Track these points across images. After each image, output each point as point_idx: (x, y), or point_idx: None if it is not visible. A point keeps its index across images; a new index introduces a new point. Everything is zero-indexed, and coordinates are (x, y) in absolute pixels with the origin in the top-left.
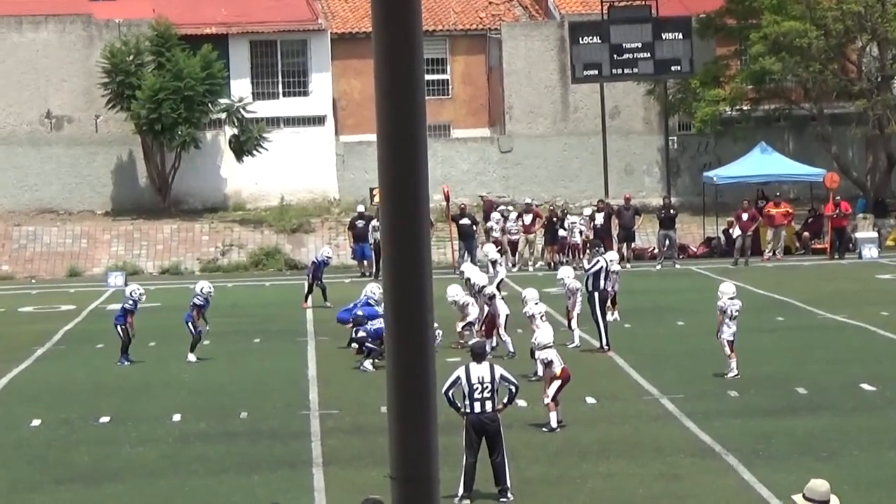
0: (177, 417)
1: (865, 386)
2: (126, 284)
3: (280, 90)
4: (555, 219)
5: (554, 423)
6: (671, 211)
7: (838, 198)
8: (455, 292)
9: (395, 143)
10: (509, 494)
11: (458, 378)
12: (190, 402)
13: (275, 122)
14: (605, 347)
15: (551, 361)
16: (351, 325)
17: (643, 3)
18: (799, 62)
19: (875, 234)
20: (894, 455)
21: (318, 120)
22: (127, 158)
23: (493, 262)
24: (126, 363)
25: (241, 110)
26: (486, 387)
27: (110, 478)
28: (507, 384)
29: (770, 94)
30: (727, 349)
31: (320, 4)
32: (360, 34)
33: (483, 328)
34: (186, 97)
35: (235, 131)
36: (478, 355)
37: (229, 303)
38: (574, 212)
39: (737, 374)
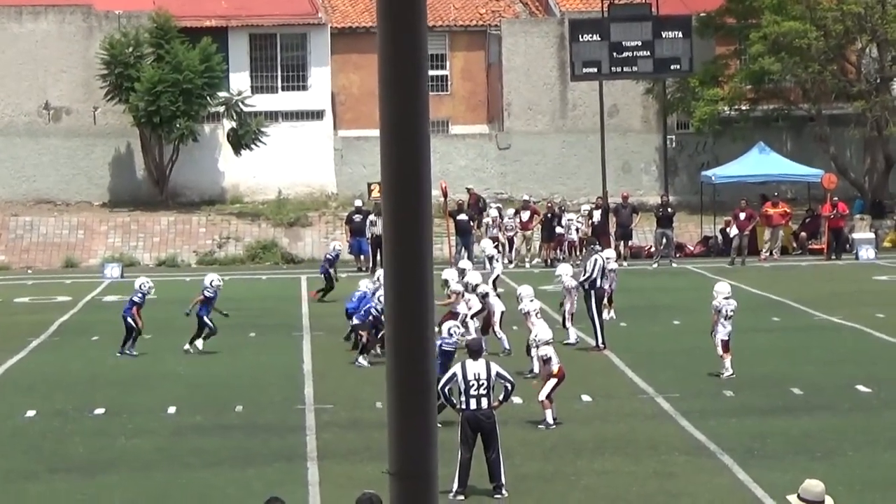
0: (172, 410)
1: (861, 387)
2: (122, 276)
3: (279, 84)
4: (552, 216)
5: (550, 420)
6: (669, 209)
7: (836, 198)
8: (451, 276)
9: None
10: (504, 491)
11: (455, 374)
12: (185, 394)
13: (273, 115)
14: (601, 346)
15: (550, 358)
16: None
17: (643, 1)
18: (798, 62)
19: (872, 236)
20: (889, 456)
21: (317, 114)
22: (125, 150)
23: (490, 259)
24: (123, 355)
25: (240, 104)
26: (483, 384)
27: (105, 469)
28: (502, 381)
29: (769, 95)
30: (720, 349)
31: None
32: (360, 29)
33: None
34: (185, 90)
35: (234, 125)
36: (474, 352)
37: (225, 296)
38: (572, 209)
39: (732, 374)
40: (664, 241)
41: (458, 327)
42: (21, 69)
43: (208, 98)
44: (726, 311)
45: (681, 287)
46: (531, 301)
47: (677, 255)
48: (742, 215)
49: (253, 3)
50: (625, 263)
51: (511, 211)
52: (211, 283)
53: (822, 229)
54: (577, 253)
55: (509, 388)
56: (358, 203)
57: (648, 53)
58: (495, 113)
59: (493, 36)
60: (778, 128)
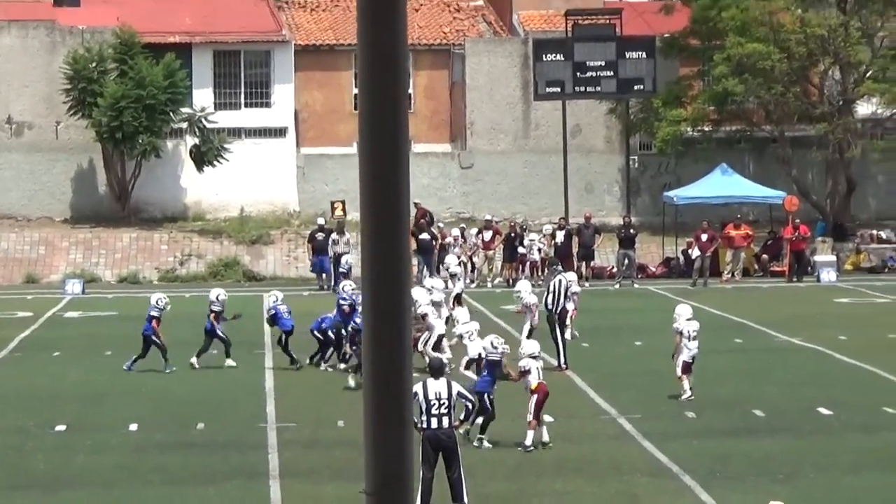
0: (134, 427)
1: (822, 409)
2: (84, 292)
3: (242, 101)
4: (514, 235)
5: (529, 442)
6: (631, 230)
7: (797, 221)
8: (418, 296)
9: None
10: None
11: (416, 393)
12: (147, 411)
13: (236, 132)
14: (564, 366)
15: (529, 371)
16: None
17: (607, 21)
18: (761, 84)
19: (834, 258)
20: (850, 479)
21: (280, 132)
22: (87, 166)
23: (453, 276)
24: (171, 370)
25: (203, 120)
26: (444, 403)
27: (66, 486)
28: (464, 401)
29: (732, 116)
30: (679, 370)
31: (285, 16)
32: (324, 46)
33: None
34: (148, 105)
35: (196, 141)
36: (435, 371)
37: (186, 313)
38: (534, 229)
39: (691, 397)
40: (626, 261)
41: (499, 338)
42: None
43: (171, 114)
44: (689, 331)
45: (643, 308)
46: (465, 324)
47: (639, 276)
48: (704, 236)
49: (217, 20)
50: (587, 284)
51: (474, 230)
52: (217, 298)
53: (783, 251)
54: (539, 273)
55: (470, 407)
56: (320, 221)
57: (612, 74)
58: (458, 132)
59: (456, 55)
60: (740, 149)
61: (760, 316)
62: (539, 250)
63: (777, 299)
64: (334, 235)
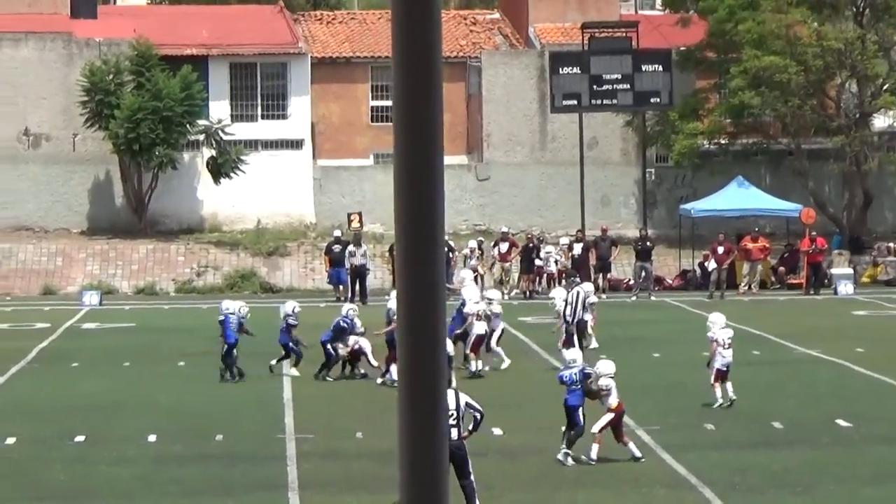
0: (152, 438)
1: (841, 422)
2: (101, 304)
3: (259, 113)
4: (531, 247)
5: (594, 455)
6: (647, 243)
7: (814, 233)
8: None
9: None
10: None
11: None
12: (166, 423)
13: (253, 144)
14: None
15: (609, 390)
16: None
17: (624, 34)
18: (778, 97)
19: (850, 271)
20: (869, 491)
21: (296, 143)
22: (104, 178)
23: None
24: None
25: (220, 132)
26: (452, 414)
27: (86, 497)
28: (472, 411)
29: (748, 129)
30: (712, 378)
31: (301, 28)
32: (340, 59)
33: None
34: (165, 117)
35: (213, 153)
36: None
37: (203, 325)
38: (550, 241)
39: (723, 404)
40: (643, 274)
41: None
42: (0, 95)
43: (188, 126)
44: (724, 339)
45: (660, 320)
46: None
47: (656, 289)
48: (720, 249)
49: (233, 33)
50: (604, 296)
51: (490, 243)
52: (293, 311)
53: (800, 264)
54: (556, 285)
55: (479, 417)
56: (337, 233)
57: (628, 86)
58: (475, 144)
59: (473, 67)
60: (757, 162)
61: (778, 328)
62: (556, 262)
63: (794, 312)
64: (351, 247)
